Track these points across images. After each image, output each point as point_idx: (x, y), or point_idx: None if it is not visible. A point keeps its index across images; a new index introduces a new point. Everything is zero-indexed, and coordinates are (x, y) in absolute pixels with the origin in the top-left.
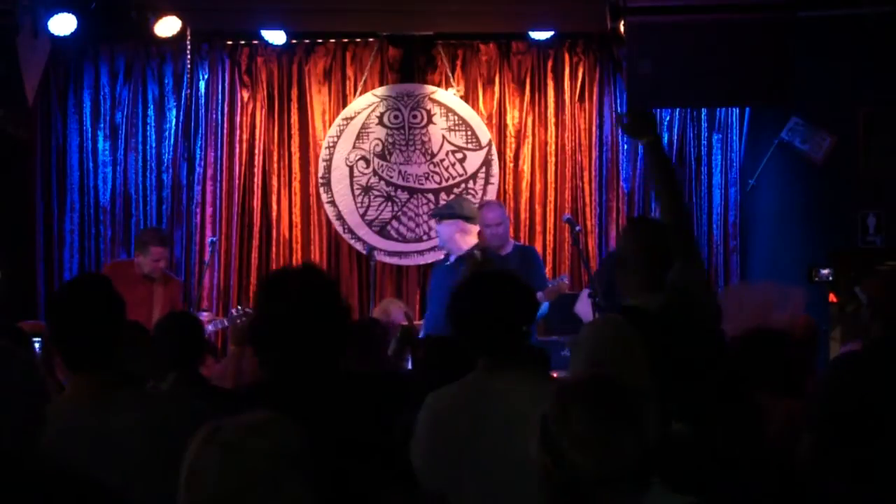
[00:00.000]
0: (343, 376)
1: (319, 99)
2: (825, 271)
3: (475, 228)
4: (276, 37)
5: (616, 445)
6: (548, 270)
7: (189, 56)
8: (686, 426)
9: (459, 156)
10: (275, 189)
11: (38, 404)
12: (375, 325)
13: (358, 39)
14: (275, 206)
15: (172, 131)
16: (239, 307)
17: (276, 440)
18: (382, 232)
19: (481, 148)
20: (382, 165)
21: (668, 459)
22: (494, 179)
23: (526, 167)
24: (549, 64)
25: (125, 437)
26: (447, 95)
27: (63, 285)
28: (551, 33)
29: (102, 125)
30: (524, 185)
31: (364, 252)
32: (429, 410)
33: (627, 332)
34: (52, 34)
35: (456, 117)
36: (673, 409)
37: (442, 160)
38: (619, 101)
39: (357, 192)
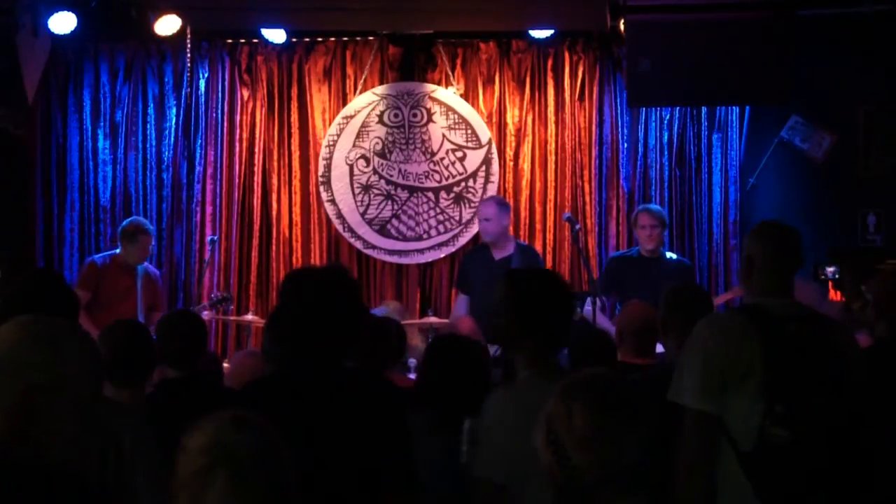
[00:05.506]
0: (348, 374)
1: (319, 97)
2: (831, 269)
3: None
4: (276, 35)
5: (617, 445)
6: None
7: (189, 55)
8: (785, 431)
9: (459, 154)
10: (275, 188)
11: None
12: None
13: (358, 38)
14: (275, 205)
15: (172, 130)
16: (218, 292)
17: (212, 437)
18: (382, 230)
19: (481, 146)
20: (382, 164)
21: (762, 464)
22: (494, 178)
23: (526, 166)
24: (549, 62)
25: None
26: (447, 94)
27: (15, 278)
28: (551, 32)
29: (102, 124)
30: (524, 183)
31: (363, 250)
32: (496, 413)
33: (749, 335)
34: (52, 33)
35: (456, 116)
36: (778, 413)
37: (442, 159)
38: (619, 100)
39: (357, 191)
